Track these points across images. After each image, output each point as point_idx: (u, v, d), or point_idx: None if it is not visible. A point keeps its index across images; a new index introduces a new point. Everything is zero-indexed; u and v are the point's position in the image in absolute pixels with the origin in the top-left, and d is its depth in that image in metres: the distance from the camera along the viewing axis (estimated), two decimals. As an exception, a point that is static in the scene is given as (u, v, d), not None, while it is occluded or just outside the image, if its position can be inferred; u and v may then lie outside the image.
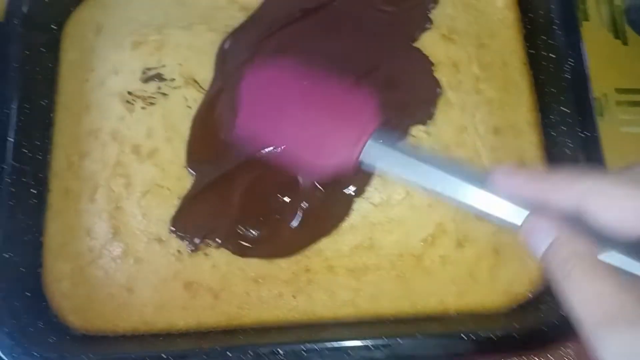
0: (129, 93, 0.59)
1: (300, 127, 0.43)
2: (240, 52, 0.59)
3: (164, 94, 0.59)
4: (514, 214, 0.33)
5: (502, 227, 0.34)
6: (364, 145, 0.39)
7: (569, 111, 0.52)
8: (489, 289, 0.52)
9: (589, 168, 0.32)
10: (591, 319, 0.27)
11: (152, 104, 0.59)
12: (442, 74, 0.56)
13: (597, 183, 0.29)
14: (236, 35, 0.60)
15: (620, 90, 0.64)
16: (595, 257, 0.29)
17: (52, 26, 0.64)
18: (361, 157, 0.40)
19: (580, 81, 0.53)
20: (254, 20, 0.61)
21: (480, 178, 0.35)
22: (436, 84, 0.55)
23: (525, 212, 0.33)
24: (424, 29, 0.57)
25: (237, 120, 0.46)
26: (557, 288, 0.29)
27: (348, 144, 0.40)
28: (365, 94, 0.42)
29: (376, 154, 0.39)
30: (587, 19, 0.67)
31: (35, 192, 0.58)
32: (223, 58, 0.59)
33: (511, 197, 0.33)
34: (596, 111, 0.62)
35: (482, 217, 0.35)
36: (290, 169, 0.48)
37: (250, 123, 0.46)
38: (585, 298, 0.27)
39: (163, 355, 0.49)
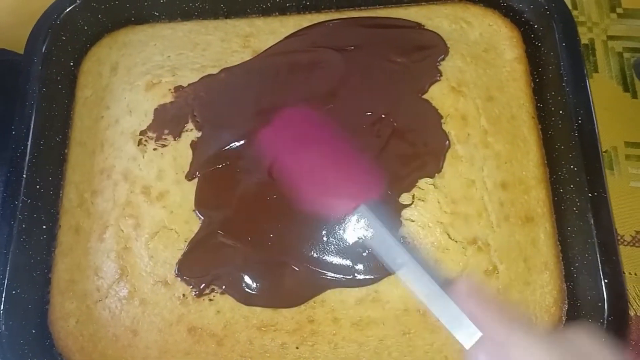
0: (142, 133, 0.60)
1: (314, 167, 0.49)
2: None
3: (176, 136, 0.59)
4: (465, 332, 0.37)
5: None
6: (356, 207, 0.45)
7: (577, 169, 0.52)
8: (494, 346, 0.51)
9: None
10: None
11: (164, 145, 0.59)
12: (450, 127, 0.56)
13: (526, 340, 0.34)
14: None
15: (629, 144, 0.65)
16: None
17: (70, 63, 0.66)
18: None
19: (589, 139, 0.53)
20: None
21: (446, 282, 0.39)
22: (445, 136, 0.56)
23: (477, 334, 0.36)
24: (433, 81, 0.58)
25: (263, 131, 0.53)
26: None
27: (347, 199, 0.46)
28: (378, 166, 0.49)
29: (365, 220, 0.45)
30: (596, 71, 0.68)
31: (45, 228, 0.59)
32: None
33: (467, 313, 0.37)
34: (605, 165, 0.62)
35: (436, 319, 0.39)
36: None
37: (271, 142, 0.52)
38: None
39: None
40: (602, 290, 0.49)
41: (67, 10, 0.64)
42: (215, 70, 0.62)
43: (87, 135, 0.63)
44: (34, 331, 0.56)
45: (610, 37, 0.69)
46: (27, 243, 0.56)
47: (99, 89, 0.65)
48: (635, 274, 0.60)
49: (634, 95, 0.67)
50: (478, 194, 0.54)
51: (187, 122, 0.60)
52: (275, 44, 0.63)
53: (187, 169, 0.58)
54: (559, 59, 0.56)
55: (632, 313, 0.58)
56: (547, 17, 0.58)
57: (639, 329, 0.57)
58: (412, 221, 0.54)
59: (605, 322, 0.48)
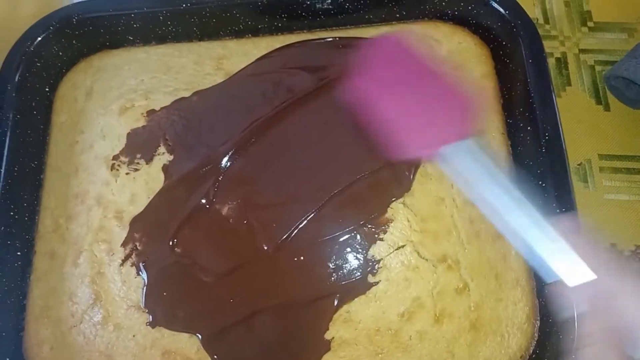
0: (115, 158, 0.61)
1: (405, 102, 0.44)
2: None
3: (148, 160, 0.60)
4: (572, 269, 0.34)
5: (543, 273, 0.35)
6: (453, 142, 0.40)
7: (545, 185, 0.52)
8: (467, 365, 0.51)
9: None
10: None
11: (136, 170, 0.60)
12: (421, 145, 0.56)
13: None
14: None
15: (603, 156, 0.65)
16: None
17: (45, 89, 0.66)
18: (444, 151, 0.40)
19: (557, 155, 0.53)
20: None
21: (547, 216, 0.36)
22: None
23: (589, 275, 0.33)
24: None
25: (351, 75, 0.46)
26: None
27: (436, 137, 0.41)
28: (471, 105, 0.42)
29: (458, 156, 0.40)
30: (569, 84, 0.68)
31: (20, 254, 0.59)
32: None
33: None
34: (580, 178, 0.63)
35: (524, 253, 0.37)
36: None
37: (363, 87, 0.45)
38: None
39: None
40: (574, 307, 0.48)
41: (41, 37, 0.64)
42: (187, 93, 0.63)
43: (63, 160, 0.63)
44: (8, 359, 0.55)
45: (582, 51, 0.70)
46: (1, 270, 0.56)
47: (74, 114, 0.65)
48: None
49: (607, 108, 0.67)
50: (448, 212, 0.55)
51: (159, 146, 0.60)
52: (247, 66, 0.64)
53: (160, 192, 0.58)
54: (526, 75, 0.56)
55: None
56: (514, 33, 0.59)
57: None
58: (382, 240, 0.54)
59: (576, 338, 0.47)
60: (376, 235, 0.54)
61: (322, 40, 0.64)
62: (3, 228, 0.57)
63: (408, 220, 0.54)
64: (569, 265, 0.34)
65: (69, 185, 0.61)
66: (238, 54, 0.65)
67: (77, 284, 0.57)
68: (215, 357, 0.53)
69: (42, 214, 0.61)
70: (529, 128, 0.55)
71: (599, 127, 0.66)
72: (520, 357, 0.51)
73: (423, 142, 0.42)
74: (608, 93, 0.67)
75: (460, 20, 0.64)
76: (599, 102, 0.67)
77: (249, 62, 0.64)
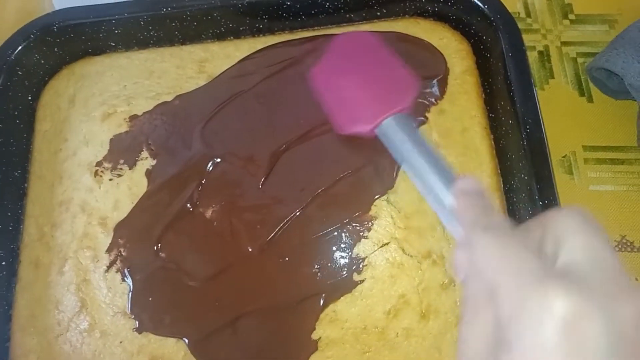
0: (98, 164, 0.60)
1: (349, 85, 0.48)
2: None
3: (132, 166, 0.60)
4: (454, 229, 0.36)
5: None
6: (384, 118, 0.44)
7: (527, 177, 0.52)
8: (455, 361, 0.51)
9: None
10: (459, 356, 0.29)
11: (119, 175, 0.60)
12: (403, 142, 0.56)
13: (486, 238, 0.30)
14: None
15: (587, 148, 0.65)
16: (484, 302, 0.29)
17: (28, 97, 0.66)
18: (379, 128, 0.44)
19: (538, 148, 0.53)
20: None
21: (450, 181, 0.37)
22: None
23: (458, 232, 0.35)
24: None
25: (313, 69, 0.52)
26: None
27: (374, 111, 0.45)
28: (412, 81, 0.47)
29: (390, 131, 0.43)
30: (552, 77, 0.68)
31: (5, 264, 0.59)
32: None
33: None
34: (565, 170, 0.63)
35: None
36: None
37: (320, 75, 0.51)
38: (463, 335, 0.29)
39: None
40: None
41: (22, 45, 0.64)
42: (170, 97, 0.63)
43: (46, 168, 0.63)
44: (-6, 370, 0.55)
45: (564, 43, 0.70)
46: (-14, 280, 0.56)
47: (58, 121, 0.65)
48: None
49: (590, 100, 0.67)
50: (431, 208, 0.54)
51: (142, 151, 0.60)
52: (229, 68, 0.64)
53: (143, 197, 0.58)
54: (506, 69, 0.56)
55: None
56: (494, 28, 0.59)
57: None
58: (366, 238, 0.54)
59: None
60: (361, 234, 0.54)
61: (304, 39, 0.64)
62: (-12, 238, 0.57)
63: (392, 217, 0.54)
64: (453, 225, 0.36)
65: (53, 193, 0.61)
66: (220, 57, 0.65)
67: (63, 292, 0.57)
68: (202, 361, 0.53)
69: (27, 222, 0.61)
70: (510, 122, 0.55)
71: (582, 118, 0.66)
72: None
73: (365, 116, 0.45)
74: (591, 84, 0.67)
75: (441, 17, 0.64)
76: (582, 94, 0.67)
77: (232, 64, 0.64)
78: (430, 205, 0.38)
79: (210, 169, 0.57)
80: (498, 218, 0.32)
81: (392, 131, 0.43)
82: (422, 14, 0.64)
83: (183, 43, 0.67)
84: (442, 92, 0.59)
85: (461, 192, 0.35)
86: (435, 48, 0.61)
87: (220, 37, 0.67)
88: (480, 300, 0.28)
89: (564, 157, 0.65)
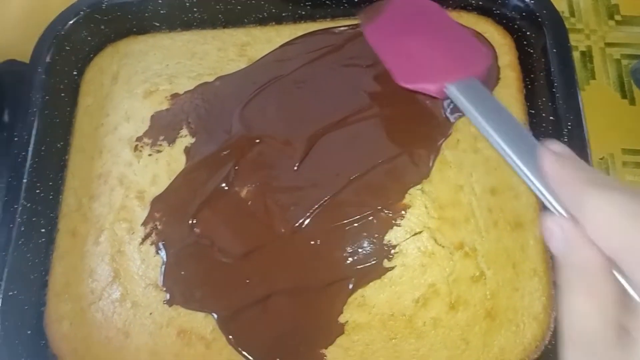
0: (138, 140, 0.62)
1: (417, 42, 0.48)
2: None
3: (171, 142, 0.61)
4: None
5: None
6: (457, 79, 0.43)
7: (567, 175, 0.52)
8: (481, 354, 0.51)
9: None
10: (569, 335, 0.26)
11: (158, 151, 0.61)
12: (440, 133, 0.56)
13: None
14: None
15: (626, 151, 0.64)
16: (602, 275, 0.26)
17: (73, 73, 0.68)
18: (450, 89, 0.43)
19: (578, 145, 0.52)
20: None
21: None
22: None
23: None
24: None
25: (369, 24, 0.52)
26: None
27: (445, 70, 0.44)
28: (485, 49, 0.48)
29: (463, 95, 0.42)
30: (594, 78, 0.67)
31: (44, 231, 0.60)
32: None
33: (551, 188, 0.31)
34: (602, 172, 0.62)
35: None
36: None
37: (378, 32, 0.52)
38: (574, 313, 0.26)
39: (151, 403, 0.50)
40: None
41: (72, 21, 0.66)
42: (211, 78, 0.64)
43: (87, 142, 0.65)
44: (29, 332, 0.57)
45: (608, 44, 0.69)
46: (25, 246, 0.58)
47: (100, 97, 0.67)
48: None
49: (632, 102, 0.66)
50: (466, 199, 0.54)
51: (181, 128, 0.61)
52: (270, 52, 0.64)
53: (180, 174, 0.59)
54: (549, 65, 0.56)
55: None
56: (539, 23, 0.58)
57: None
58: (398, 226, 0.54)
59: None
60: (393, 221, 0.54)
61: (344, 28, 0.64)
62: (29, 205, 0.59)
63: (426, 207, 0.54)
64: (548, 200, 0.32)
65: (92, 166, 0.63)
66: (261, 41, 0.66)
67: (98, 262, 0.58)
68: (230, 337, 0.53)
69: (66, 193, 0.63)
70: (551, 118, 0.55)
71: (623, 121, 0.65)
72: (535, 347, 0.51)
73: (433, 74, 0.45)
74: (634, 87, 0.66)
75: (485, 11, 0.63)
76: (624, 96, 0.66)
77: (273, 49, 0.65)
78: (515, 170, 0.36)
79: (248, 149, 0.58)
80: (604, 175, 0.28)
81: (466, 95, 0.42)
82: (466, 7, 0.64)
83: (225, 26, 0.68)
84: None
85: (552, 153, 0.31)
86: (485, 38, 0.60)
87: (262, 22, 0.68)
88: (596, 272, 0.25)
89: (601, 159, 0.64)
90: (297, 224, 0.54)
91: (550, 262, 0.53)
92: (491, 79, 0.56)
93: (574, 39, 0.69)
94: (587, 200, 0.26)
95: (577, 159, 0.31)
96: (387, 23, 0.51)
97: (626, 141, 0.64)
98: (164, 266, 0.56)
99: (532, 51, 0.60)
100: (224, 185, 0.57)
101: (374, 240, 0.54)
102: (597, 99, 0.66)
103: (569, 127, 0.53)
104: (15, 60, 0.75)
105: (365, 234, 0.54)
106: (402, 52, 0.48)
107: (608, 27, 0.70)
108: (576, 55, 0.69)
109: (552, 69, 0.55)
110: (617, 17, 0.70)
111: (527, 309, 0.51)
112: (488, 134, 0.39)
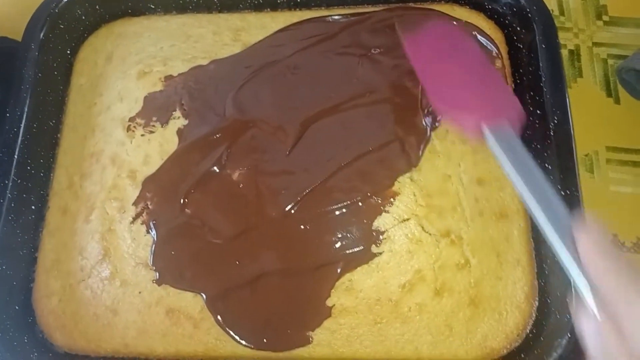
0: (131, 120, 0.62)
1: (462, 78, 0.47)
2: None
3: (164, 123, 0.61)
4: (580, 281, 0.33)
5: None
6: (495, 122, 0.43)
7: (551, 167, 0.53)
8: (464, 341, 0.52)
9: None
10: None
11: (151, 132, 0.61)
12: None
13: None
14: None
15: (610, 149, 0.65)
16: None
17: (67, 51, 0.68)
18: (487, 130, 0.43)
19: (564, 140, 0.54)
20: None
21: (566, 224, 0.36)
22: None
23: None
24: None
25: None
26: None
27: (484, 110, 0.44)
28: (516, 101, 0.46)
29: (497, 139, 0.42)
30: (581, 76, 0.69)
31: (34, 208, 0.61)
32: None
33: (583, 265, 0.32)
34: (586, 168, 0.63)
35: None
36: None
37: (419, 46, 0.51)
38: None
39: (137, 380, 0.50)
40: (572, 288, 0.49)
41: (66, 0, 0.66)
42: (205, 62, 0.64)
43: (80, 120, 0.65)
44: (17, 307, 0.57)
45: (596, 44, 0.71)
46: (15, 222, 0.58)
47: (94, 77, 0.67)
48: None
49: (617, 101, 0.68)
50: (453, 189, 0.56)
51: (174, 110, 0.62)
52: (264, 38, 0.65)
53: (173, 155, 0.60)
54: (538, 60, 0.57)
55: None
56: (529, 19, 0.59)
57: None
58: (387, 212, 0.55)
59: (572, 318, 0.48)
60: (382, 208, 0.55)
61: (338, 17, 0.65)
62: (19, 182, 0.59)
63: (414, 195, 0.55)
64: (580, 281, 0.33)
65: (85, 144, 0.63)
66: (256, 27, 0.66)
67: (88, 239, 0.59)
68: (218, 317, 0.54)
69: (57, 171, 0.63)
70: (538, 112, 0.56)
71: (608, 119, 0.67)
72: (517, 335, 0.52)
73: (478, 107, 0.45)
74: (619, 86, 0.68)
75: (477, 5, 0.65)
76: (609, 94, 0.68)
77: (267, 35, 0.65)
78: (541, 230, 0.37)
79: (240, 133, 0.58)
80: None
81: (502, 144, 0.42)
82: (459, 1, 0.65)
83: (220, 11, 0.69)
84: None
85: (589, 239, 0.31)
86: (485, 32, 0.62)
87: (257, 7, 0.68)
88: None
89: (586, 155, 0.65)
90: (287, 208, 0.55)
91: (533, 252, 0.54)
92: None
93: (562, 37, 0.71)
94: (634, 310, 0.26)
95: (612, 245, 0.31)
96: (429, 41, 0.51)
97: (610, 139, 0.66)
98: (154, 245, 0.57)
99: (521, 46, 0.61)
100: (216, 167, 0.58)
101: (363, 226, 0.55)
102: (583, 96, 0.68)
103: (555, 122, 0.54)
104: (7, 38, 0.74)
105: (354, 219, 0.55)
106: (441, 74, 0.48)
107: (596, 27, 0.72)
108: (564, 53, 0.70)
109: (541, 65, 0.57)
110: (605, 18, 0.72)
111: (510, 298, 0.53)
112: (518, 188, 0.40)
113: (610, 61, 0.69)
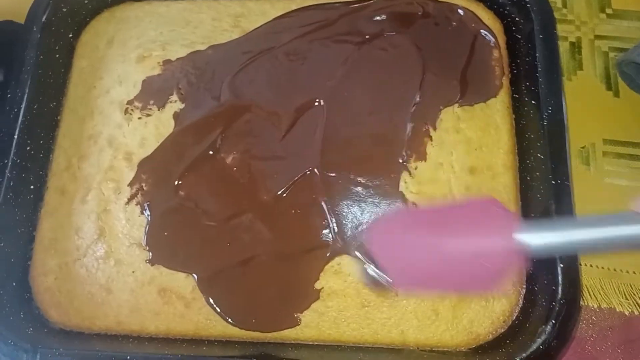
0: (129, 103, 0.63)
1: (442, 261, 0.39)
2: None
3: (161, 107, 0.62)
4: None
5: None
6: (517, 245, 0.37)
7: (543, 157, 0.53)
8: (450, 326, 0.52)
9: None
10: None
11: (148, 115, 0.62)
12: (424, 111, 0.58)
13: None
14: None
15: (607, 141, 0.65)
16: None
17: (69, 34, 0.69)
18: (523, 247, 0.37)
19: (557, 129, 0.54)
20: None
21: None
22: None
23: None
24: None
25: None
26: None
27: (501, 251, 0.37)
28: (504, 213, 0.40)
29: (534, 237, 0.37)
30: (581, 69, 0.68)
31: (33, 188, 0.62)
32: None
33: None
34: (582, 160, 0.63)
35: None
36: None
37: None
38: None
39: (128, 357, 0.51)
40: (558, 276, 0.49)
41: (69, -17, 0.67)
42: (204, 47, 0.65)
43: (80, 103, 0.66)
44: (14, 284, 0.58)
45: (598, 37, 0.70)
46: (14, 201, 0.59)
47: (95, 60, 0.68)
48: (602, 267, 0.60)
49: (616, 94, 0.67)
50: (445, 177, 0.56)
51: (172, 94, 0.62)
52: (263, 24, 0.65)
53: (169, 138, 0.61)
54: (535, 50, 0.57)
55: (595, 305, 0.58)
56: (527, 10, 0.59)
57: (604, 320, 0.58)
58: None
59: (557, 305, 0.49)
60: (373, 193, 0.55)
61: (339, 4, 0.65)
62: (19, 162, 0.60)
63: (405, 182, 0.56)
64: None
65: (83, 127, 0.64)
66: (256, 13, 0.67)
67: (84, 219, 0.60)
68: (209, 297, 0.55)
69: (56, 152, 0.64)
70: (533, 102, 0.56)
71: (606, 112, 0.66)
72: (503, 322, 0.53)
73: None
74: (619, 79, 0.67)
75: (476, -5, 0.64)
76: (609, 87, 0.67)
77: (266, 21, 0.65)
78: None
79: (236, 117, 0.59)
80: None
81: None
82: (458, -10, 0.65)
83: (221, -3, 0.69)
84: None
85: None
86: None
87: (257, -6, 0.68)
88: None
89: (582, 147, 0.65)
90: (279, 192, 0.56)
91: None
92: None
93: (564, 29, 0.70)
94: None
95: None
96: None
97: (608, 132, 0.65)
98: (148, 226, 0.58)
99: (519, 37, 0.61)
100: (210, 151, 0.58)
101: (353, 212, 0.55)
102: (583, 89, 0.67)
103: (550, 111, 0.54)
104: (12, 21, 0.75)
105: (344, 205, 0.55)
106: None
107: (599, 20, 0.71)
108: (565, 45, 0.70)
109: (537, 55, 0.57)
110: (608, 11, 0.71)
111: (497, 285, 0.53)
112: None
113: (612, 54, 0.69)
